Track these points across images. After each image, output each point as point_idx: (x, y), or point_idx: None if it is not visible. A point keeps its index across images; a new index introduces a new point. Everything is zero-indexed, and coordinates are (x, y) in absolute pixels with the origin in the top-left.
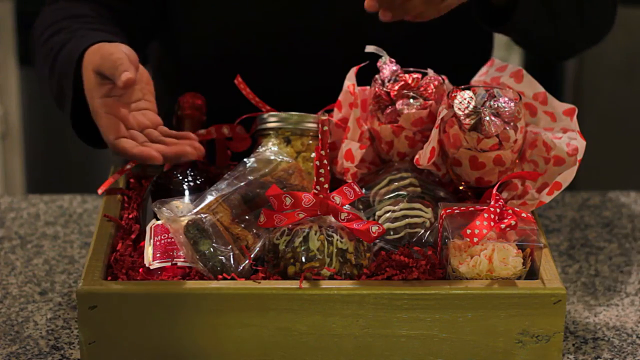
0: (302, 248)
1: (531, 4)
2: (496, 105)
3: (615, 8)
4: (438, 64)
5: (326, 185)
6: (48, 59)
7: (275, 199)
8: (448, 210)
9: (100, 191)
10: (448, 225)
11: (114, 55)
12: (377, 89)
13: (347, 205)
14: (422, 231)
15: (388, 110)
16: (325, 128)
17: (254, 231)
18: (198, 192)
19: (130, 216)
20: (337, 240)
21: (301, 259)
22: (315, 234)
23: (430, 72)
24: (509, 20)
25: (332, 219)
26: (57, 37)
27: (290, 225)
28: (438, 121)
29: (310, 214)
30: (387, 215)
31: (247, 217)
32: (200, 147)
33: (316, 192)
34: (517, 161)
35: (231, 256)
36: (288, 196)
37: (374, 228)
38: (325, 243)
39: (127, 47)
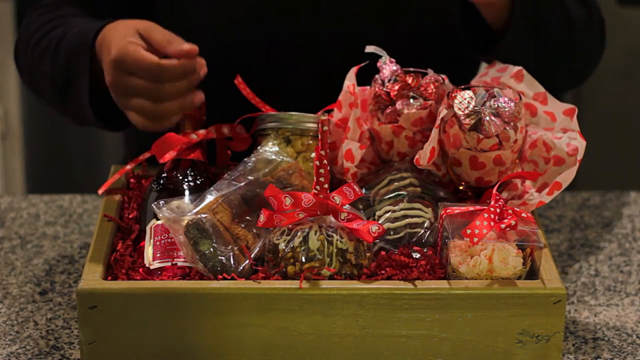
0: (302, 248)
1: (520, 33)
2: (496, 105)
3: (602, 48)
4: (438, 64)
5: (326, 185)
6: (46, 53)
7: (275, 199)
8: (448, 210)
9: (100, 192)
10: (448, 225)
11: (167, 31)
12: (377, 89)
13: (347, 205)
14: (422, 231)
15: (388, 110)
16: (325, 128)
17: (254, 231)
18: (198, 192)
19: (130, 216)
20: (337, 240)
21: (301, 259)
22: (315, 234)
23: (430, 72)
24: (497, 45)
25: (332, 219)
26: (53, 33)
27: (290, 225)
28: (438, 121)
29: (310, 214)
30: (387, 215)
31: (247, 217)
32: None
33: (316, 192)
34: (517, 161)
35: (231, 256)
36: (288, 196)
37: (374, 228)
38: (325, 243)
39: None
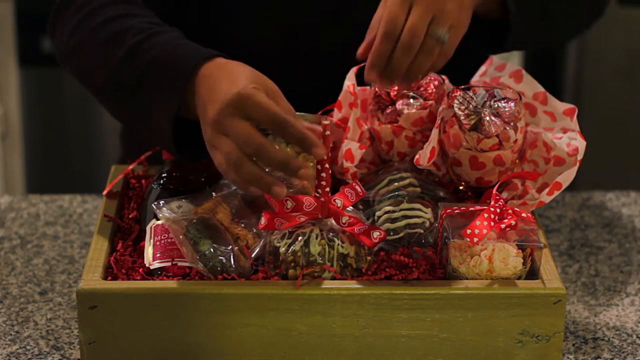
0: (303, 252)
1: (525, 15)
2: (496, 105)
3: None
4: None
5: (327, 189)
6: (119, 40)
7: (277, 202)
8: (448, 210)
9: (105, 193)
10: (448, 225)
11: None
12: (377, 89)
13: (349, 207)
14: (422, 231)
15: (388, 110)
16: (328, 133)
17: (254, 231)
18: (198, 192)
19: (130, 216)
20: (338, 244)
21: (302, 263)
22: (317, 238)
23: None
24: (506, 39)
25: (333, 223)
26: (131, 20)
27: (291, 229)
28: (438, 121)
29: (311, 218)
30: (387, 215)
31: (247, 217)
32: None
33: (317, 195)
34: (517, 161)
35: (231, 256)
36: (289, 199)
37: (375, 234)
38: (326, 247)
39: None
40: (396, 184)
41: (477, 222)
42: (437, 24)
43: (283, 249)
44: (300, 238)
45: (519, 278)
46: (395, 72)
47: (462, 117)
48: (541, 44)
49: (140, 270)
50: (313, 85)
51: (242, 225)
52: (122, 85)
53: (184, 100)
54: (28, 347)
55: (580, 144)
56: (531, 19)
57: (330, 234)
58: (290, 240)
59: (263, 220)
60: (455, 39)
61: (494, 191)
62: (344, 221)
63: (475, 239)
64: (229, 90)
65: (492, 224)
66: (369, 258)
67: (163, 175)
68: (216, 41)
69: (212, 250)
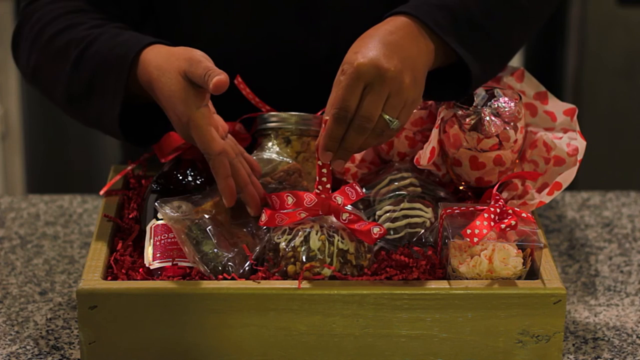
0: (303, 248)
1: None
2: (496, 105)
3: None
4: None
5: (328, 186)
6: (64, 59)
7: (278, 198)
8: (448, 210)
9: (102, 193)
10: (448, 225)
11: (204, 64)
12: None
13: (349, 206)
14: (423, 231)
15: None
16: None
17: (254, 231)
18: (198, 192)
19: (130, 216)
20: (338, 240)
21: (302, 259)
22: (317, 234)
23: None
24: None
25: (334, 219)
26: (71, 33)
27: (291, 225)
28: (438, 121)
29: (311, 214)
30: (388, 215)
31: (247, 217)
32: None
33: (318, 192)
34: (517, 161)
35: (232, 257)
36: (290, 195)
37: (375, 229)
38: (326, 243)
39: (201, 52)
40: (397, 183)
41: (477, 222)
42: (390, 108)
43: (283, 244)
44: (300, 234)
45: (519, 278)
46: (348, 152)
47: (462, 117)
48: (508, 60)
49: (140, 270)
50: (313, 86)
51: (241, 224)
52: (76, 98)
53: (135, 94)
54: (28, 347)
55: (580, 144)
56: (487, 56)
57: (331, 230)
58: (290, 236)
59: (264, 217)
60: (407, 117)
61: (494, 191)
62: (344, 218)
63: (475, 239)
64: (173, 110)
65: (492, 224)
66: (368, 255)
67: (163, 175)
68: (190, 40)
69: (214, 250)
